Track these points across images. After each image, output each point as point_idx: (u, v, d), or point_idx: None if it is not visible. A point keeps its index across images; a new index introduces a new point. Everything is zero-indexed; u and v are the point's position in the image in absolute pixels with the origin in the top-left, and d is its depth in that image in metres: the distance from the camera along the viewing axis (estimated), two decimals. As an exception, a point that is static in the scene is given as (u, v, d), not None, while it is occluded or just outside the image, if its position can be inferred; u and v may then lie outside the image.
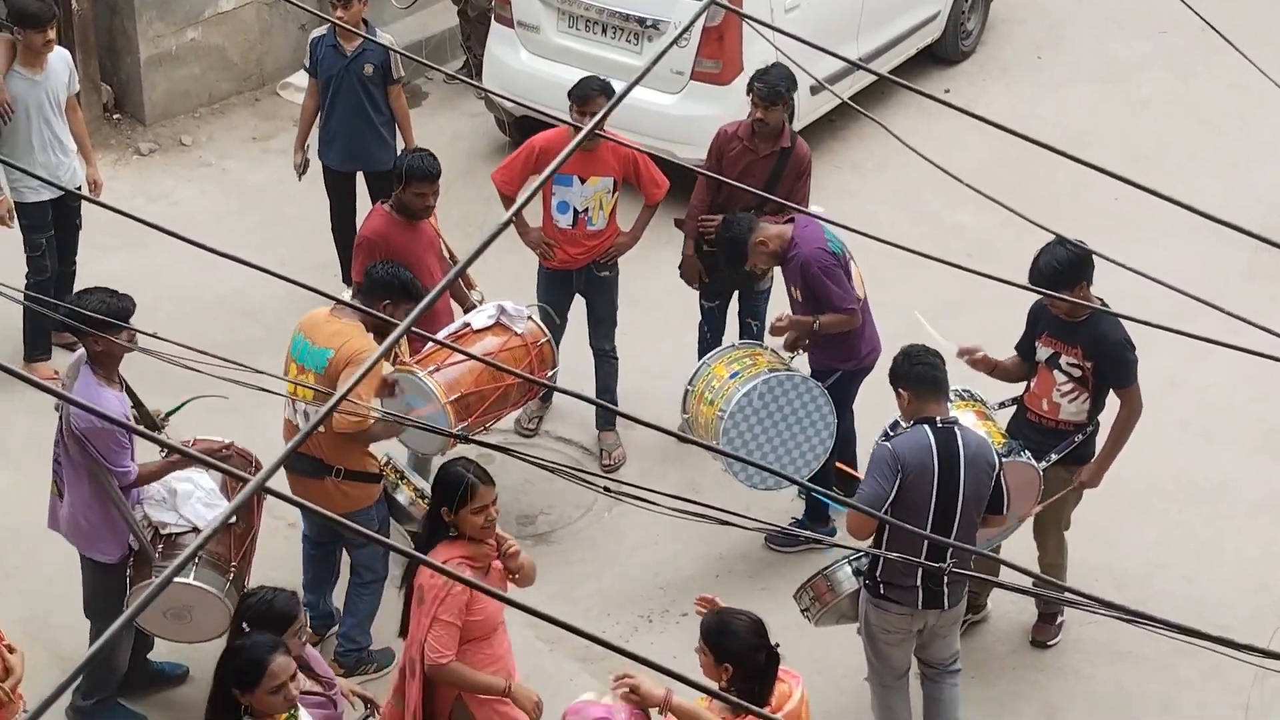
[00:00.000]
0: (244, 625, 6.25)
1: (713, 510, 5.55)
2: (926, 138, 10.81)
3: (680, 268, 9.58)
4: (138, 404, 7.62)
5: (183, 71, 12.55)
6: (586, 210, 9.20)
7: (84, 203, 9.82)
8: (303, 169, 10.57)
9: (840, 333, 8.69)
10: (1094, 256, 7.58)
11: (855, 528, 7.43)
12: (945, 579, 7.28)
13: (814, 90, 11.79)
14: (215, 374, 5.99)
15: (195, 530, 7.41)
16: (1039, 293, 7.82)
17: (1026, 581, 8.09)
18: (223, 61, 12.79)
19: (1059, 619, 8.66)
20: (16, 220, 9.66)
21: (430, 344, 8.23)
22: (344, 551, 8.35)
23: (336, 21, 9.95)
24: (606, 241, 9.38)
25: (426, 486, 7.98)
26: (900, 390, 7.34)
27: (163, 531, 7.47)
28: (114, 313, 7.11)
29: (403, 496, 8.10)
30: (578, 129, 8.29)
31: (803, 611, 7.84)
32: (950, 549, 7.13)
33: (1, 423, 9.69)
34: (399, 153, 9.37)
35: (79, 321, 7.14)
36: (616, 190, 9.28)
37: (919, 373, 7.26)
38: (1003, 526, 7.78)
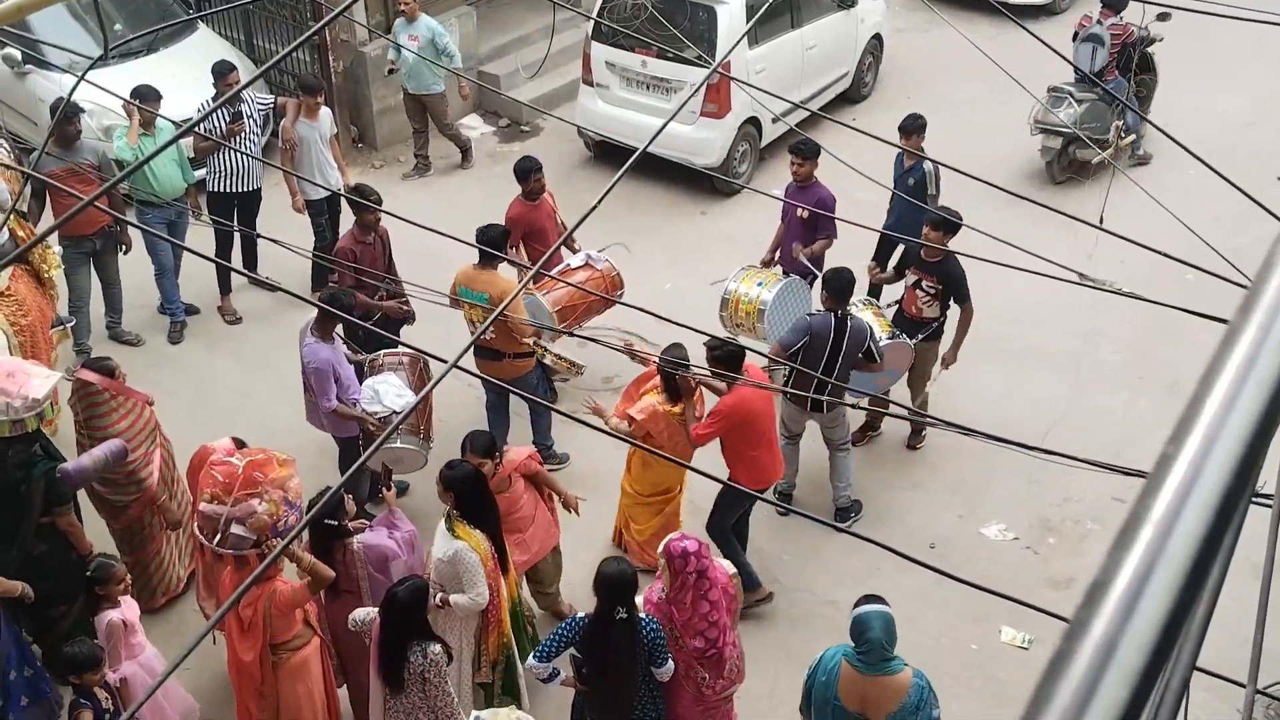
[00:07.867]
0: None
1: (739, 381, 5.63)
2: (844, 147, 10.67)
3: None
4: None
5: (399, 117, 12.47)
6: None
7: (341, 198, 9.91)
8: None
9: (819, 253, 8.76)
10: (955, 221, 7.72)
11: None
12: (824, 402, 7.52)
13: (774, 120, 11.74)
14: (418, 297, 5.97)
15: (394, 413, 7.13)
16: (915, 243, 7.93)
17: (904, 412, 8.21)
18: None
19: (922, 433, 8.78)
20: (307, 211, 9.80)
21: (546, 278, 8.30)
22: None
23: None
24: None
25: (564, 352, 8.10)
26: (824, 291, 7.54)
27: (375, 417, 7.18)
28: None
29: (549, 360, 8.06)
30: None
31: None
32: (832, 381, 7.41)
33: (237, 334, 9.83)
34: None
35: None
36: None
37: (832, 284, 7.47)
38: (883, 372, 7.86)
